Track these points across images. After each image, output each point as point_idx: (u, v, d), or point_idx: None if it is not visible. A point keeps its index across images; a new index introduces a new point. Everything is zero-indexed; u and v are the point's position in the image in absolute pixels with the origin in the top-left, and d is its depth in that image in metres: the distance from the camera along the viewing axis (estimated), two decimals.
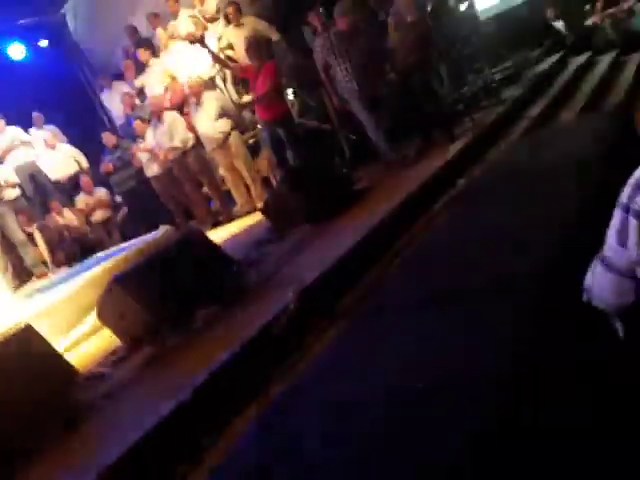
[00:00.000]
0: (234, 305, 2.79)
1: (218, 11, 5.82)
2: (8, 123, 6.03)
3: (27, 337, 2.53)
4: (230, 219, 5.37)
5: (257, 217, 4.71)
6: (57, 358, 2.61)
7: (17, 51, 7.34)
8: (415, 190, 3.40)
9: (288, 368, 2.17)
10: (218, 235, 4.58)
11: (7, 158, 5.92)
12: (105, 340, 3.15)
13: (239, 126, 5.22)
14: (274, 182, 5.13)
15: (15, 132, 6.18)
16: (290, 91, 5.42)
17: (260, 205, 4.86)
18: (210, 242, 3.36)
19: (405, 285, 2.27)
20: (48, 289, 3.92)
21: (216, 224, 5.36)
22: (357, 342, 2.03)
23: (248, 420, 1.95)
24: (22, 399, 2.29)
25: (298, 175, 4.06)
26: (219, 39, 5.66)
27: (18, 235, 5.04)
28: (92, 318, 3.46)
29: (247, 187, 5.32)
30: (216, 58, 5.08)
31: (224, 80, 5.54)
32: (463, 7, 6.48)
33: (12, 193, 5.47)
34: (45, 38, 7.74)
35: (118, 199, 6.34)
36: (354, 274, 2.71)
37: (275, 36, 5.61)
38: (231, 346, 2.22)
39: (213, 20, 5.87)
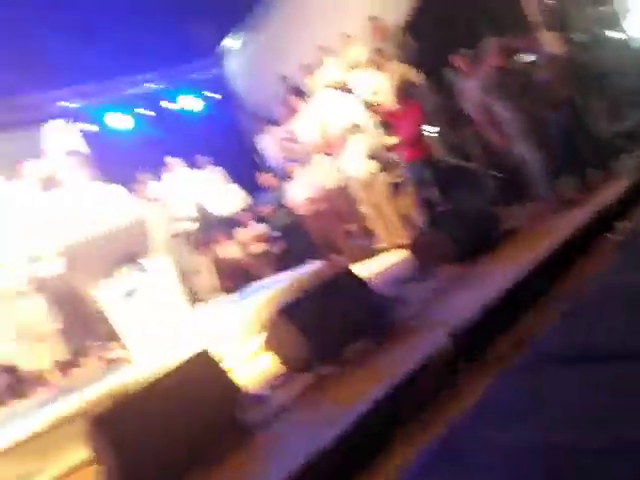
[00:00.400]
0: (383, 342, 2.92)
1: (364, 58, 6.19)
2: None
3: (203, 361, 2.91)
4: (372, 255, 5.60)
5: (397, 254, 4.87)
6: (227, 381, 2.91)
7: (186, 102, 8.57)
8: (571, 233, 3.29)
9: (440, 411, 2.22)
10: (362, 270, 4.80)
11: (178, 193, 6.86)
12: (267, 363, 3.46)
13: (385, 167, 5.48)
14: (416, 221, 5.26)
15: (186, 172, 7.15)
16: (434, 131, 5.55)
17: (400, 242, 5.04)
18: (360, 279, 3.56)
19: (565, 335, 2.22)
20: (215, 312, 4.44)
21: (359, 259, 5.60)
22: (513, 391, 2.03)
23: (403, 459, 2.02)
24: (194, 420, 2.56)
25: (445, 214, 4.14)
26: (366, 85, 6.01)
27: (189, 263, 5.76)
28: (255, 341, 3.87)
29: (388, 224, 5.54)
30: (364, 103, 5.43)
31: (372, 124, 5.87)
32: (617, 36, 6.11)
33: (188, 225, 6.29)
34: (209, 89, 8.90)
35: (275, 234, 6.95)
36: (506, 319, 2.70)
37: (419, 80, 5.81)
38: (384, 382, 2.35)
39: (360, 67, 6.25)
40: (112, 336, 4.41)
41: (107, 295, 4.05)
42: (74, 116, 7.72)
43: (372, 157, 5.41)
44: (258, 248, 6.84)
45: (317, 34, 6.93)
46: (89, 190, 4.50)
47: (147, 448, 2.47)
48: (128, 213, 4.51)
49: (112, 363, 4.20)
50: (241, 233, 6.98)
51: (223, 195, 7.23)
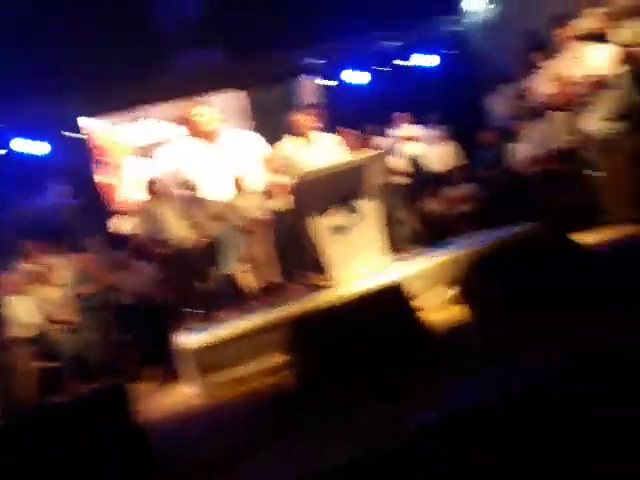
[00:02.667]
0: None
1: (631, 8, 5.31)
2: None
3: (396, 293, 3.00)
4: (596, 227, 4.93)
5: (628, 229, 4.26)
6: (415, 318, 2.96)
7: (420, 59, 8.59)
8: None
9: None
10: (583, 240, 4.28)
11: (398, 147, 7.04)
12: (455, 315, 3.40)
13: (635, 130, 4.72)
14: None
15: (409, 128, 7.29)
16: None
17: (635, 217, 4.36)
18: (577, 245, 3.17)
19: None
20: (412, 260, 4.53)
21: (581, 228, 5.01)
22: None
23: None
24: (378, 343, 2.68)
25: None
26: (630, 33, 5.18)
27: (399, 214, 5.91)
28: (445, 291, 3.84)
29: (624, 196, 4.79)
30: (623, 52, 4.70)
31: (627, 77, 5.05)
32: None
33: (402, 179, 6.46)
34: (445, 47, 8.73)
35: (485, 195, 6.70)
36: None
37: None
38: None
39: (624, 16, 5.39)
40: (318, 266, 4.83)
41: (320, 228, 4.40)
42: (318, 72, 8.52)
43: (620, 117, 4.68)
44: (465, 207, 6.71)
45: None
46: (318, 137, 4.88)
47: (333, 356, 2.69)
48: (348, 159, 4.76)
49: (314, 288, 4.58)
50: (449, 191, 6.92)
51: (440, 152, 7.21)
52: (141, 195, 5.88)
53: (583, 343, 2.15)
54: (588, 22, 5.65)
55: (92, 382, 5.11)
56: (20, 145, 6.96)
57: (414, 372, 2.53)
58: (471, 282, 3.11)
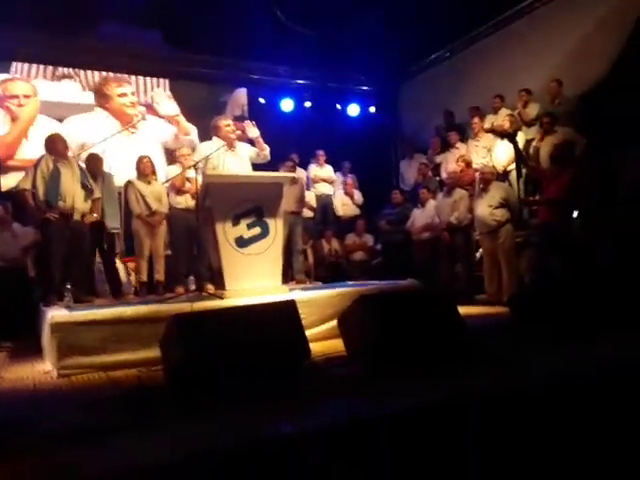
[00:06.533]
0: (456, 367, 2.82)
1: (536, 118, 6.16)
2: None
3: (287, 308, 3.09)
4: (472, 303, 5.47)
5: (500, 310, 4.74)
6: (301, 335, 3.04)
7: (353, 111, 9.04)
8: None
9: None
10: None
11: (313, 182, 7.35)
12: (332, 346, 3.58)
13: (515, 221, 5.38)
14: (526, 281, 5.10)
15: (329, 171, 7.61)
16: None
17: (505, 300, 4.89)
18: (452, 306, 3.49)
19: None
20: (304, 290, 4.64)
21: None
22: None
23: None
24: (261, 351, 2.73)
25: (555, 283, 3.97)
26: (527, 141, 5.99)
27: (298, 245, 6.04)
28: (330, 325, 4.01)
29: (499, 278, 5.40)
30: (519, 155, 5.40)
31: (518, 176, 5.81)
32: None
33: (308, 213, 6.68)
34: (375, 105, 9.29)
35: (379, 247, 7.16)
36: None
37: (582, 146, 5.59)
38: None
39: (529, 124, 6.23)
40: (213, 274, 4.77)
41: (224, 236, 4.24)
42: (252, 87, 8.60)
43: (506, 207, 5.33)
44: (359, 256, 7.09)
45: (495, 83, 7.06)
46: (242, 147, 4.94)
47: (211, 356, 2.67)
48: (265, 174, 4.80)
49: (203, 295, 4.52)
50: (349, 237, 7.29)
51: (348, 199, 7.62)
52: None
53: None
54: (500, 119, 6.45)
55: None
56: None
57: (285, 383, 2.62)
58: (348, 316, 3.31)
